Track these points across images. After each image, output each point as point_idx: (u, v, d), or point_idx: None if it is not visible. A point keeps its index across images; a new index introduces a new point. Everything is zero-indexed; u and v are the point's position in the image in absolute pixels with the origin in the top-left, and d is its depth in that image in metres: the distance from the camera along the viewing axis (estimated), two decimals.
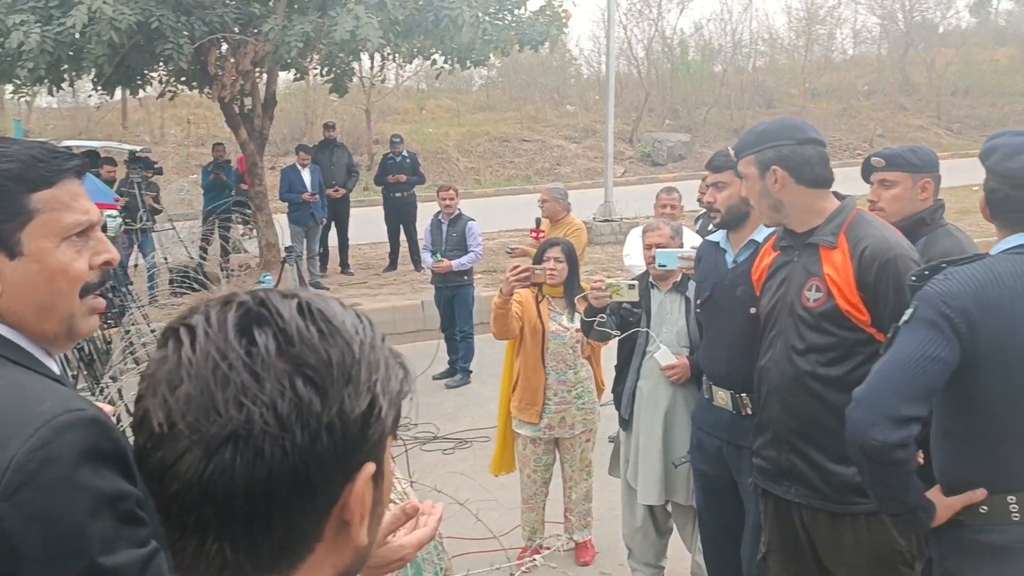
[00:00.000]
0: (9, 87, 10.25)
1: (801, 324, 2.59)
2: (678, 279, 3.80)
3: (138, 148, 11.46)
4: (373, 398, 0.70)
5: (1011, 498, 2.02)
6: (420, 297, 9.54)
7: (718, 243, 3.31)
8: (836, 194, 2.68)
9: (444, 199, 7.52)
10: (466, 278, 7.60)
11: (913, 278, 2.13)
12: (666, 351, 3.71)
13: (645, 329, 3.79)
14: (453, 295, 7.62)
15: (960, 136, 25.77)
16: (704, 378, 3.33)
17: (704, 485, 3.38)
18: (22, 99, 9.96)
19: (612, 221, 13.43)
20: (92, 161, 9.55)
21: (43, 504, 1.07)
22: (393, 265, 11.61)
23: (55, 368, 1.27)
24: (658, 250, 3.67)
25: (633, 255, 5.19)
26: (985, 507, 2.05)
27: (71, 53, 8.89)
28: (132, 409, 0.70)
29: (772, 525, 2.79)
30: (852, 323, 2.50)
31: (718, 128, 24.96)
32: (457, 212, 7.51)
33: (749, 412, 3.06)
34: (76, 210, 1.22)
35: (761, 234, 3.14)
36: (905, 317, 2.06)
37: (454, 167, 21.44)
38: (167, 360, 0.68)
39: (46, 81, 9.61)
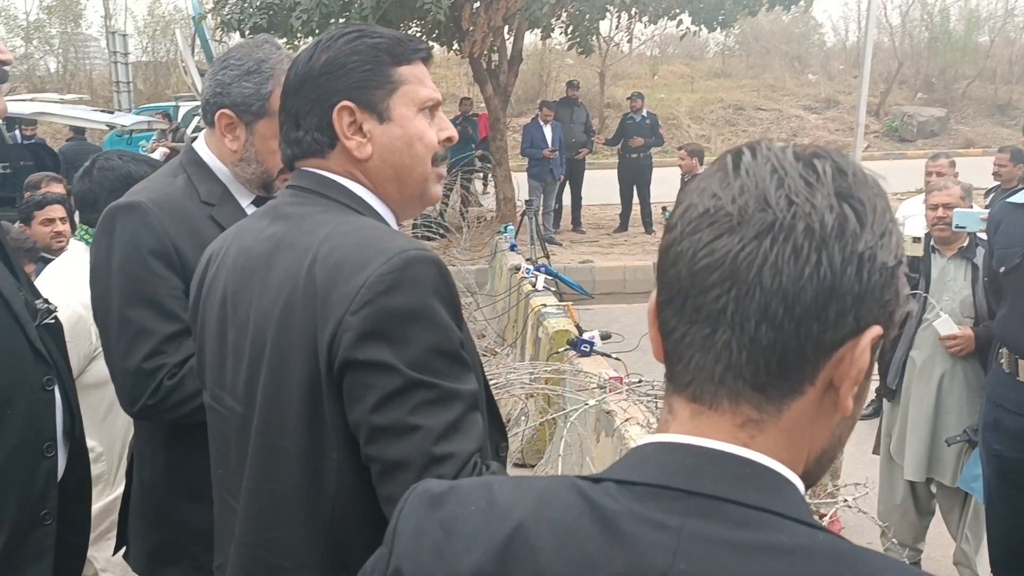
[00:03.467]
0: (282, 39, 11.08)
1: None
2: (964, 244, 3.50)
3: None
4: (897, 264, 0.69)
5: None
6: (651, 259, 9.44)
7: None
8: None
9: (679, 158, 7.73)
10: None
11: None
12: (947, 319, 3.44)
13: (923, 294, 3.53)
14: None
15: None
16: (1005, 351, 2.99)
17: (1000, 468, 3.05)
18: (289, 49, 10.74)
19: None
20: None
21: (383, 324, 1.15)
22: (624, 226, 11.56)
23: None
24: (957, 210, 3.35)
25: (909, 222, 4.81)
26: None
27: (341, 5, 9.47)
28: None
29: None
30: None
31: (979, 104, 22.86)
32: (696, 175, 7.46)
33: None
34: (428, 87, 1.35)
35: None
36: None
37: (685, 134, 21.02)
38: (719, 171, 0.70)
39: (316, 32, 10.29)
